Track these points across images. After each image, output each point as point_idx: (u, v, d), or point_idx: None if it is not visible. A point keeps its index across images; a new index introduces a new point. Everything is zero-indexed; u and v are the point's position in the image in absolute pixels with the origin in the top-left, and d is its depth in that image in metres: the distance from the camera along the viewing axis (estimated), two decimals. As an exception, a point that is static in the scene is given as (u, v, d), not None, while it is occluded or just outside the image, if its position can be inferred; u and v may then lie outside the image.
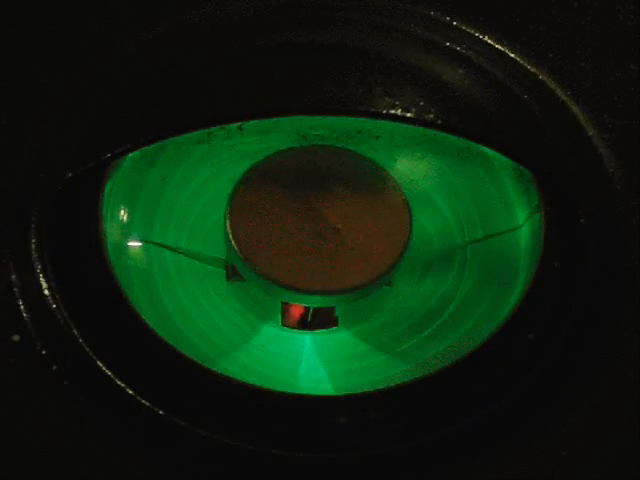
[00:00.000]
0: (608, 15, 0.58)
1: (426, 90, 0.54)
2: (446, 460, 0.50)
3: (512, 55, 0.58)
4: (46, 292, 0.52)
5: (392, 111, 0.52)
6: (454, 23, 0.58)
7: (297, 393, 0.52)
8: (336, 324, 0.61)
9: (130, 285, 0.56)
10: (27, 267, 0.52)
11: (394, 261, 0.57)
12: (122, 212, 0.59)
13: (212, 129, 0.60)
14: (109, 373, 0.51)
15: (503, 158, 0.57)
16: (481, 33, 0.58)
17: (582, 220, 0.54)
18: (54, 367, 0.51)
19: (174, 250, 0.61)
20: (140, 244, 0.60)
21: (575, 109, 0.57)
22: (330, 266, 0.57)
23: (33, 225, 0.53)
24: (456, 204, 0.62)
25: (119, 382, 0.51)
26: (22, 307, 0.52)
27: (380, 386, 0.53)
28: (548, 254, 0.55)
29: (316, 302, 0.58)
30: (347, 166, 0.59)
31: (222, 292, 0.62)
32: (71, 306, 0.52)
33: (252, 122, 0.60)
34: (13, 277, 0.52)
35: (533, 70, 0.57)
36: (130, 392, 0.50)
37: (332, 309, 0.61)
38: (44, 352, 0.51)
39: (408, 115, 0.52)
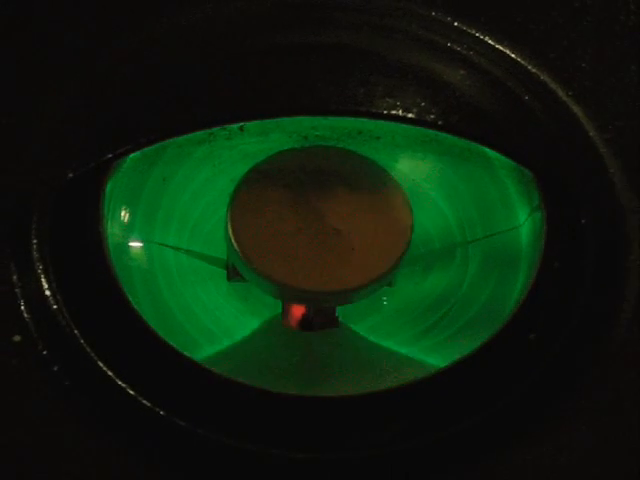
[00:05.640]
0: (608, 15, 0.58)
1: (427, 91, 0.54)
2: (446, 460, 0.50)
3: (513, 55, 0.58)
4: (47, 293, 0.52)
5: (393, 112, 0.52)
6: (455, 23, 0.58)
7: (297, 393, 0.52)
8: (337, 324, 0.61)
9: (131, 285, 0.56)
10: (28, 268, 0.52)
11: (395, 261, 0.57)
12: (123, 212, 0.59)
13: (213, 129, 0.60)
14: (110, 373, 0.51)
15: (504, 158, 0.57)
16: (482, 33, 0.58)
17: (582, 220, 0.54)
18: (55, 368, 0.51)
19: (175, 250, 0.61)
20: (141, 244, 0.60)
21: (576, 109, 0.57)
22: (331, 266, 0.57)
23: (34, 225, 0.53)
24: (457, 204, 0.62)
25: (120, 382, 0.51)
26: (23, 308, 0.52)
27: (381, 386, 0.53)
28: (548, 254, 0.55)
29: (317, 302, 0.58)
30: (348, 167, 0.59)
31: (223, 292, 0.62)
32: (72, 307, 0.52)
33: (253, 122, 0.60)
34: (14, 278, 0.52)
35: (534, 70, 0.57)
36: (131, 392, 0.50)
37: (333, 309, 0.61)
38: (45, 353, 0.51)
39: (409, 116, 0.52)
